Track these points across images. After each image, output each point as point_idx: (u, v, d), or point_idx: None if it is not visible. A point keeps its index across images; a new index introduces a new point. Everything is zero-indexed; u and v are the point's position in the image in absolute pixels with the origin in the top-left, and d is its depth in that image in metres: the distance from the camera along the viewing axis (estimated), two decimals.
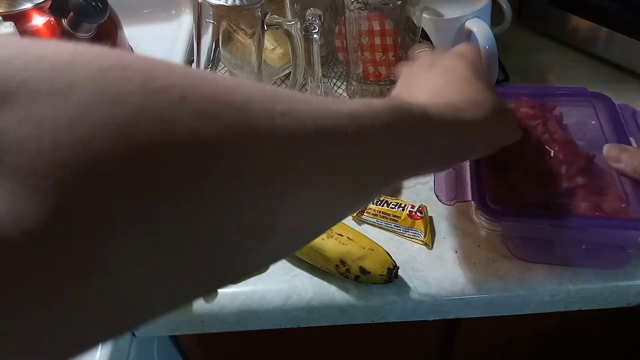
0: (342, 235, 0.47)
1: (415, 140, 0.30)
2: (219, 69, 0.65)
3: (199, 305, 0.48)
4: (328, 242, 0.47)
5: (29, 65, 0.16)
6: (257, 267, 0.23)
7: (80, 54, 0.17)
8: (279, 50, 0.67)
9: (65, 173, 0.15)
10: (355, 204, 0.27)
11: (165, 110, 0.17)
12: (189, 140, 0.17)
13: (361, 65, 0.60)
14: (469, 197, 0.46)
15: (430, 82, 0.40)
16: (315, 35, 0.56)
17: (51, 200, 0.15)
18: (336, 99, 0.24)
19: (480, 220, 0.45)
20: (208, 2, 0.55)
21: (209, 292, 0.22)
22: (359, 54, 0.60)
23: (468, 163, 0.49)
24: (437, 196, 0.47)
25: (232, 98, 0.20)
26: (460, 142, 0.34)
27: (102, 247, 0.16)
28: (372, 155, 0.26)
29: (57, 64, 0.17)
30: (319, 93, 0.61)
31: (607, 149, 0.47)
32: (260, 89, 0.21)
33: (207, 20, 0.57)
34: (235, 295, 0.48)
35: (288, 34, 0.57)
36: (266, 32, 0.59)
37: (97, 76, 0.17)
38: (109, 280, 0.16)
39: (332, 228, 0.48)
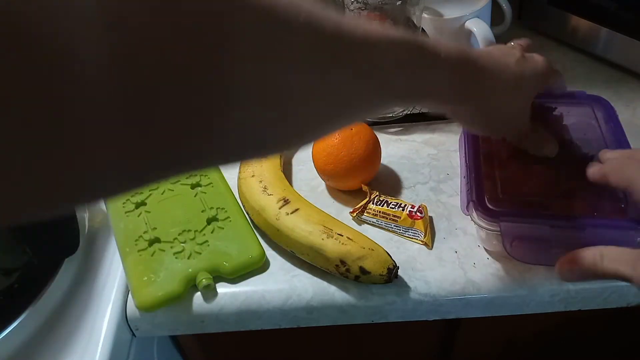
0: (342, 235, 0.47)
1: (418, 70, 0.32)
2: None
3: (199, 305, 0.48)
4: (328, 242, 0.47)
5: None
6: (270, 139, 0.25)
7: None
8: None
9: None
10: (350, 115, 0.30)
11: None
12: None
13: None
14: (467, 197, 0.46)
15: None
16: None
17: None
18: (350, 21, 0.27)
19: (479, 220, 0.45)
20: None
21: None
22: None
23: (466, 164, 0.49)
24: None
25: None
26: (462, 84, 0.37)
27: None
28: (373, 79, 0.28)
29: None
30: None
31: (590, 172, 0.42)
32: None
33: None
34: (235, 295, 0.48)
35: None
36: None
37: None
38: None
39: (332, 228, 0.48)
